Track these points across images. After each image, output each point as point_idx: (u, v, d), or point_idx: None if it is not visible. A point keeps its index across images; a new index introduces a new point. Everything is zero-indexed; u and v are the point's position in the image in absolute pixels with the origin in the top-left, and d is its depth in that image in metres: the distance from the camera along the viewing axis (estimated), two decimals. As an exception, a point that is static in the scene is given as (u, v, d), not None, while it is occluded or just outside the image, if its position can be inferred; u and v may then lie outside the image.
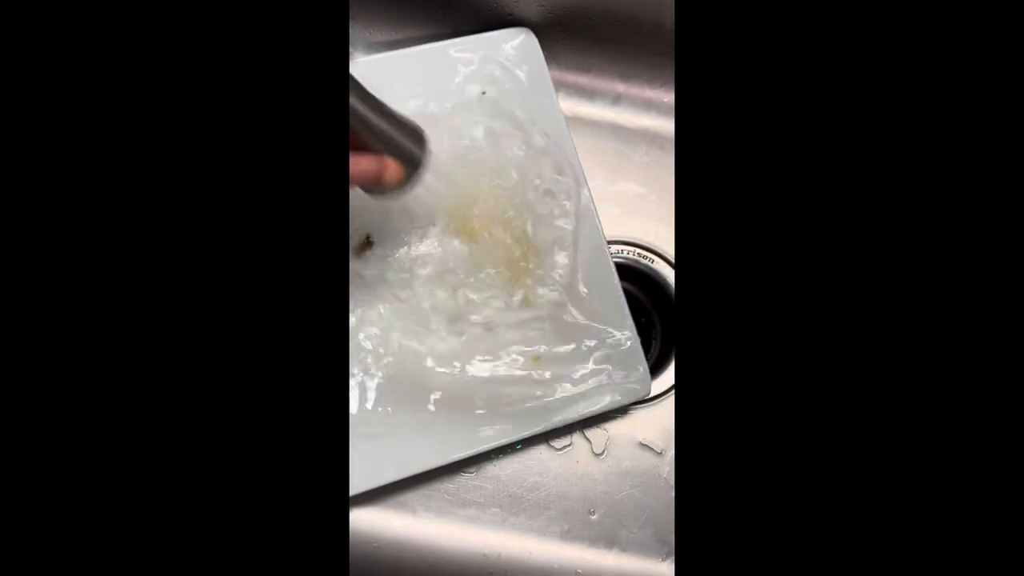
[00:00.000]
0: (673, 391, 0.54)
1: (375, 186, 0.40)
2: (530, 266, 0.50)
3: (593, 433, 0.52)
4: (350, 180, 0.37)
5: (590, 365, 0.50)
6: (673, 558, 0.50)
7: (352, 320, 0.48)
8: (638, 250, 0.56)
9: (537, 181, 0.52)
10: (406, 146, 0.40)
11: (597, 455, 0.52)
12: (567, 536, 0.50)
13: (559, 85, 0.57)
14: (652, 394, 0.53)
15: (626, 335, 0.50)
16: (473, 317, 0.49)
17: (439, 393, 0.48)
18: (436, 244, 0.49)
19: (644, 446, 0.52)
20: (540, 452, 0.51)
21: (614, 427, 0.52)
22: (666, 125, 0.59)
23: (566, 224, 0.51)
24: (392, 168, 0.39)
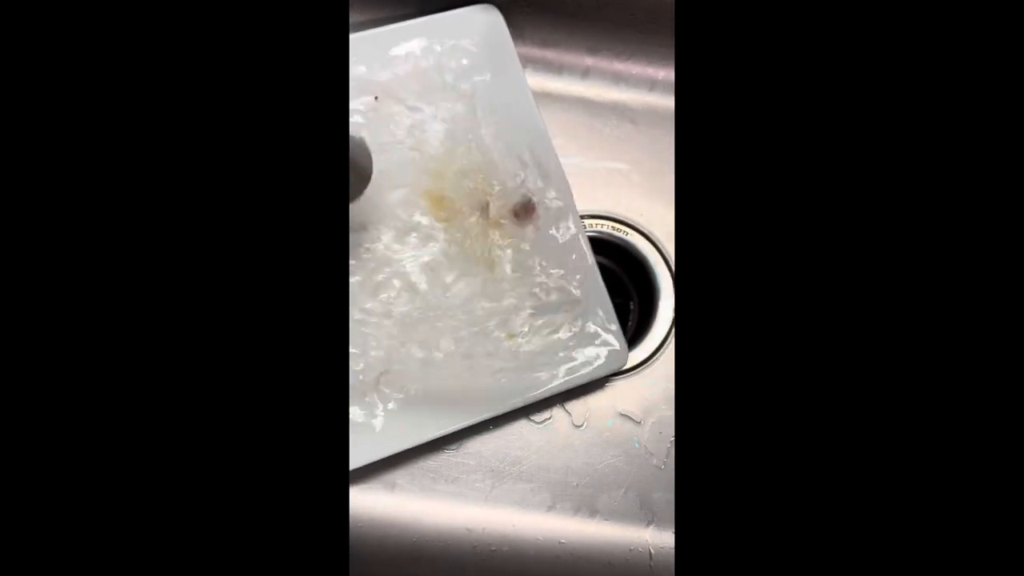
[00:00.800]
0: (650, 361, 0.54)
1: None
2: (502, 242, 0.50)
3: (573, 406, 0.52)
4: None
5: (567, 338, 0.50)
6: (655, 525, 0.51)
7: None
8: (612, 223, 0.57)
9: (507, 158, 0.52)
10: (352, 158, 0.40)
11: (577, 427, 0.52)
12: (550, 507, 0.50)
13: (526, 61, 0.57)
14: (630, 365, 0.53)
15: (602, 308, 0.50)
16: (446, 295, 0.49)
17: (416, 371, 0.48)
18: (406, 224, 0.49)
19: (624, 416, 0.52)
20: (521, 426, 0.51)
21: (593, 399, 0.52)
22: (635, 97, 0.59)
23: (537, 199, 0.52)
24: None
